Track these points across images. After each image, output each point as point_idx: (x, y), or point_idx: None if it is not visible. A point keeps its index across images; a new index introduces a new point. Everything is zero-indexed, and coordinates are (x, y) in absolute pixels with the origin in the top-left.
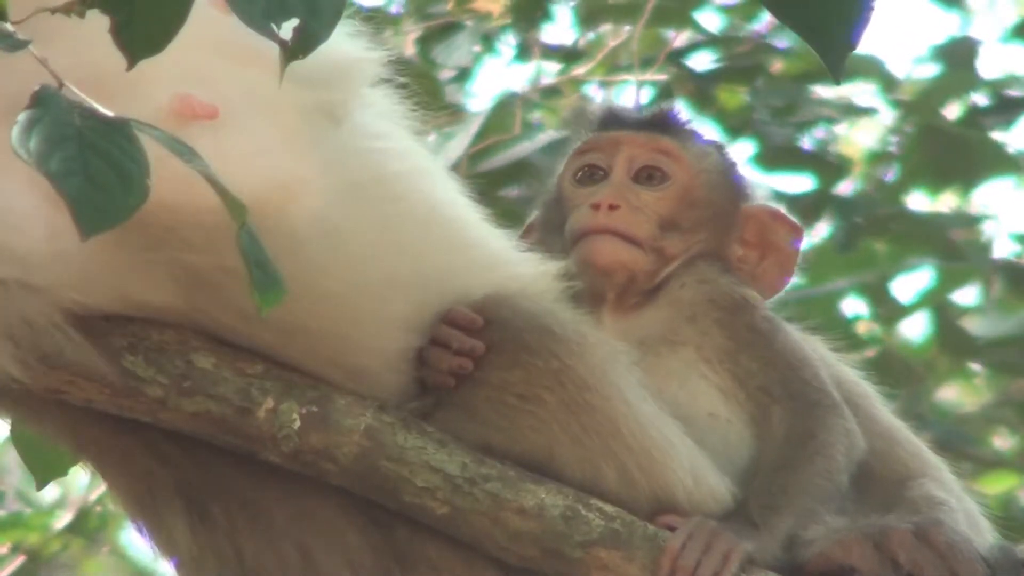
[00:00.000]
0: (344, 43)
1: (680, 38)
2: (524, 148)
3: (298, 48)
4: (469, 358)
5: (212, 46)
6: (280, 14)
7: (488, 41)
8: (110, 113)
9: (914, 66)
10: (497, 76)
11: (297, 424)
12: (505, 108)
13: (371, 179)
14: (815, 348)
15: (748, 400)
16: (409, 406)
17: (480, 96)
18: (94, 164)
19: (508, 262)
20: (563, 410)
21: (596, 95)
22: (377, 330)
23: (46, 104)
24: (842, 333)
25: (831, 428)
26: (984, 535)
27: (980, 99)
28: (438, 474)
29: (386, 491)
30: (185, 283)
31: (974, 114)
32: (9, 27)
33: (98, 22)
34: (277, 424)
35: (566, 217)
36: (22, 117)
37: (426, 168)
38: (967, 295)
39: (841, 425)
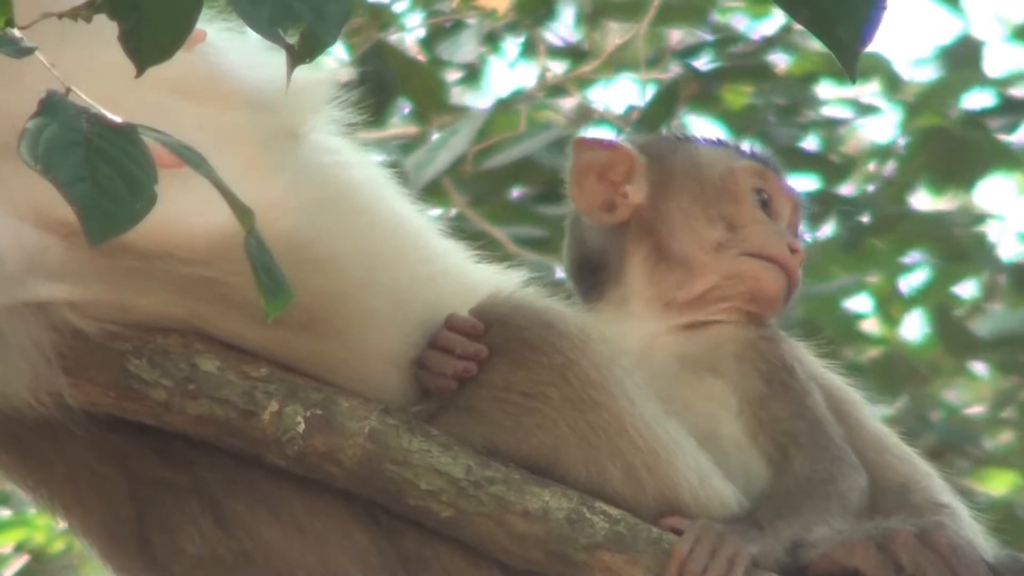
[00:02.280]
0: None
1: (686, 37)
2: (528, 146)
3: (304, 53)
4: (473, 362)
5: (170, 86)
6: (287, 20)
7: (493, 40)
8: (117, 119)
9: (918, 67)
10: (503, 75)
11: (301, 427)
12: (509, 106)
13: (337, 193)
14: (804, 357)
15: (768, 441)
16: (414, 409)
17: (489, 95)
18: (102, 171)
19: (478, 270)
20: (569, 407)
21: (601, 94)
22: (365, 334)
23: (53, 110)
24: (847, 332)
25: (850, 481)
26: (978, 539)
27: (985, 99)
28: (443, 477)
29: (390, 494)
30: (183, 292)
31: (978, 114)
32: (16, 32)
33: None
34: (281, 427)
35: (736, 215)
36: (30, 124)
37: (381, 179)
38: (969, 292)
39: (859, 483)
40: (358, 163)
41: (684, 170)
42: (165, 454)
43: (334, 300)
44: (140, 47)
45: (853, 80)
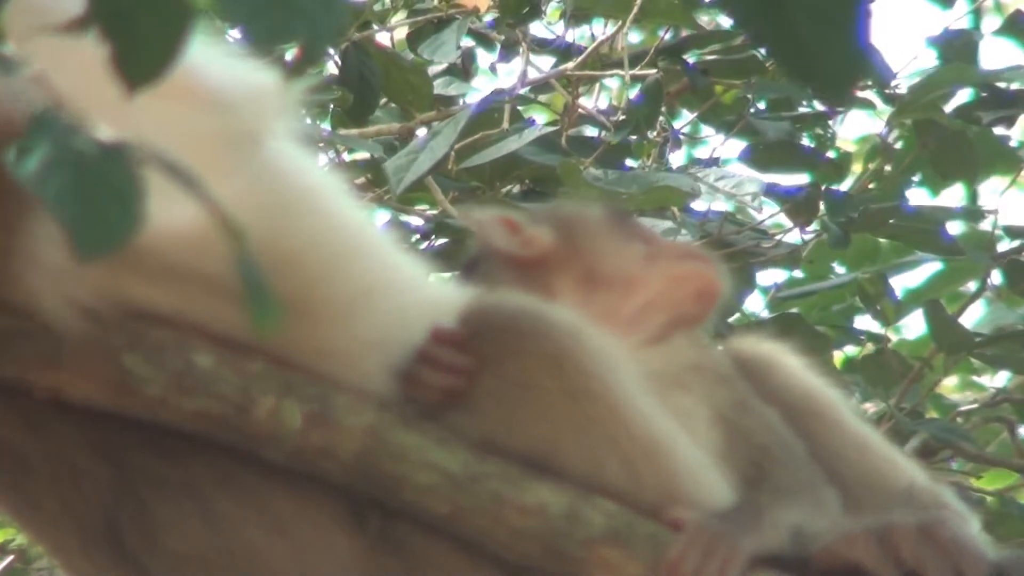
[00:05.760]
0: (259, 73)
1: (672, 34)
2: (511, 143)
3: (299, 66)
4: (462, 377)
5: None
6: (285, 35)
7: (480, 38)
8: (109, 136)
9: (913, 65)
10: (488, 72)
11: (298, 422)
12: (493, 104)
13: (292, 196)
14: (782, 354)
15: (741, 460)
16: (410, 405)
17: (478, 93)
18: (92, 189)
19: (436, 283)
20: (565, 398)
21: (589, 92)
22: (335, 322)
23: (45, 127)
24: (839, 329)
25: (828, 490)
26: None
27: (977, 93)
28: (439, 472)
29: (387, 489)
30: (175, 282)
31: (971, 108)
32: (8, 48)
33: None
34: (278, 422)
35: (641, 232)
36: (21, 140)
37: (339, 187)
38: (966, 289)
39: (833, 494)
40: (309, 167)
41: (579, 222)
42: (162, 449)
43: (296, 290)
44: (133, 69)
45: (845, 109)
